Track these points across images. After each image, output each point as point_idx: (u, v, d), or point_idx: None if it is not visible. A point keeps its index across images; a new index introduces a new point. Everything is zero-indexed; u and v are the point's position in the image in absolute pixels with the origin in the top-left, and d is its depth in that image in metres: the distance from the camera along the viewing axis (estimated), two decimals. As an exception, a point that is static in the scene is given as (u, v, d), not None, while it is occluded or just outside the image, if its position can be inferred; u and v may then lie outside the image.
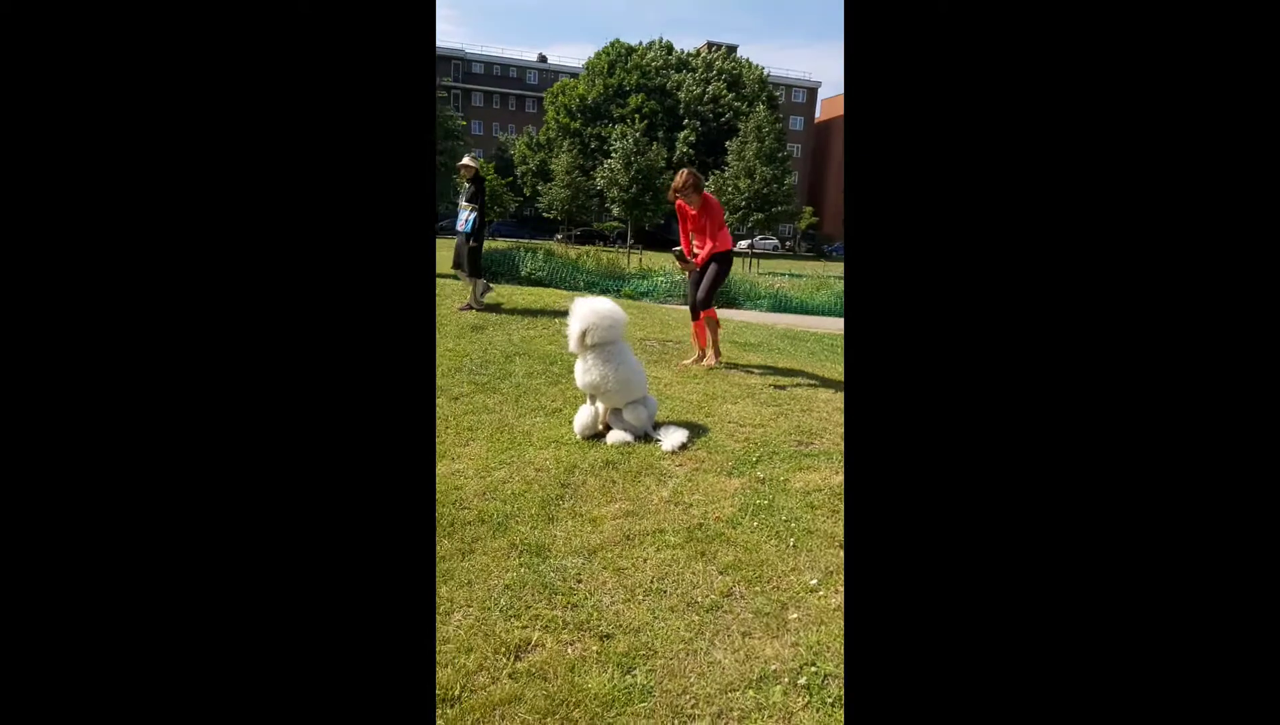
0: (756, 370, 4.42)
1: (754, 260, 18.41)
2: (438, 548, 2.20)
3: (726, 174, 26.00)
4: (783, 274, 14.58)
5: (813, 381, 4.20)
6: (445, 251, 6.42)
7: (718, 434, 3.08)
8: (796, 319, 9.51)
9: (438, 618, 1.87)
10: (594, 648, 1.73)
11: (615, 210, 21.50)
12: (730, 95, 37.07)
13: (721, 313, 7.71)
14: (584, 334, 3.00)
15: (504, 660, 1.70)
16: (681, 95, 37.30)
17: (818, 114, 52.50)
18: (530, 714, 1.52)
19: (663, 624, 1.79)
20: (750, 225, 26.17)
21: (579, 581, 2.02)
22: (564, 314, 6.14)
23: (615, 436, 3.04)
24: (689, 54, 40.31)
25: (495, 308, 6.32)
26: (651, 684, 1.58)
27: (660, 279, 11.32)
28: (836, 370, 4.82)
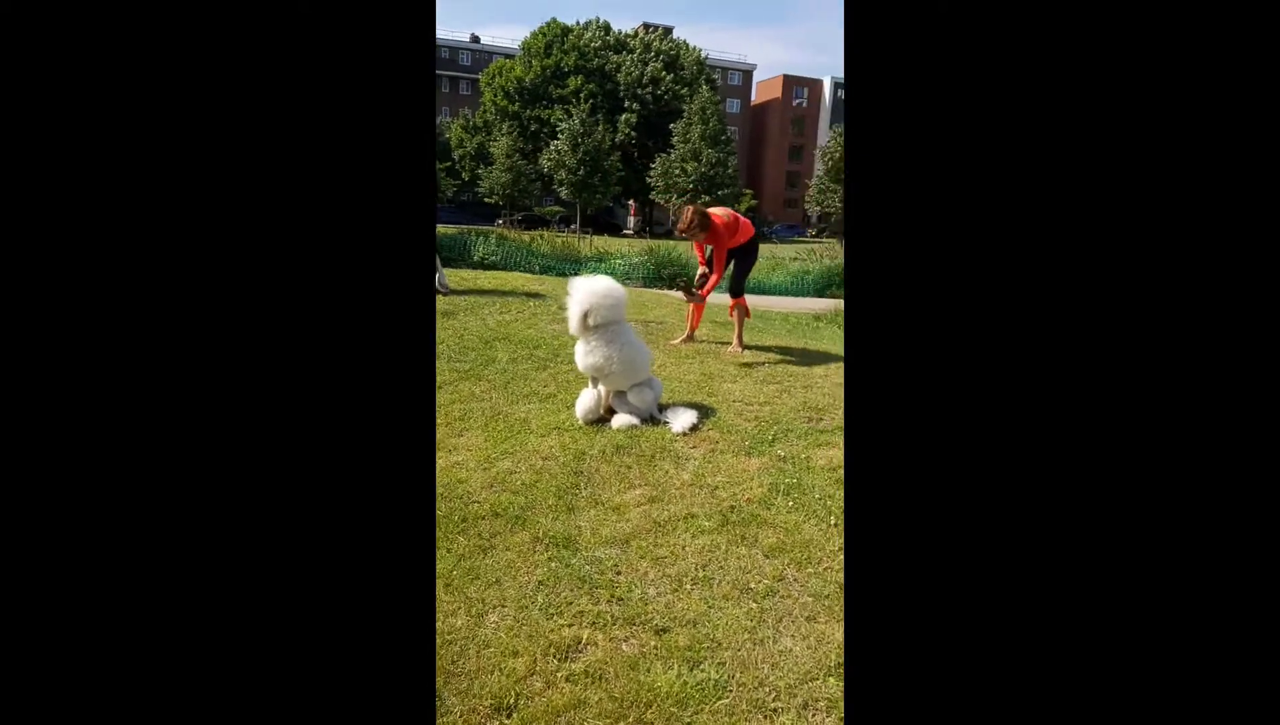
0: (744, 349, 4.38)
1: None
2: (454, 545, 2.07)
3: (673, 156, 25.94)
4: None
5: (801, 358, 4.19)
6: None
7: (726, 413, 3.01)
8: (756, 299, 9.52)
9: (470, 619, 1.74)
10: (652, 643, 1.63)
11: (564, 192, 21.04)
12: (669, 76, 36.90)
13: (681, 295, 7.64)
14: (586, 315, 2.86)
15: (555, 662, 1.59)
16: (620, 77, 36.89)
17: (753, 96, 52.91)
18: (599, 719, 1.42)
19: (720, 614, 1.71)
20: (698, 207, 26.24)
21: (618, 573, 1.92)
22: (533, 296, 5.98)
23: (621, 420, 2.93)
24: (627, 34, 39.86)
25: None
26: (724, 678, 1.49)
27: (618, 262, 11.15)
28: (819, 346, 4.83)
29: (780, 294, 10.71)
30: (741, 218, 4.19)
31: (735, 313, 4.34)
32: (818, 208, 33.20)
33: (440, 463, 2.60)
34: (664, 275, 10.59)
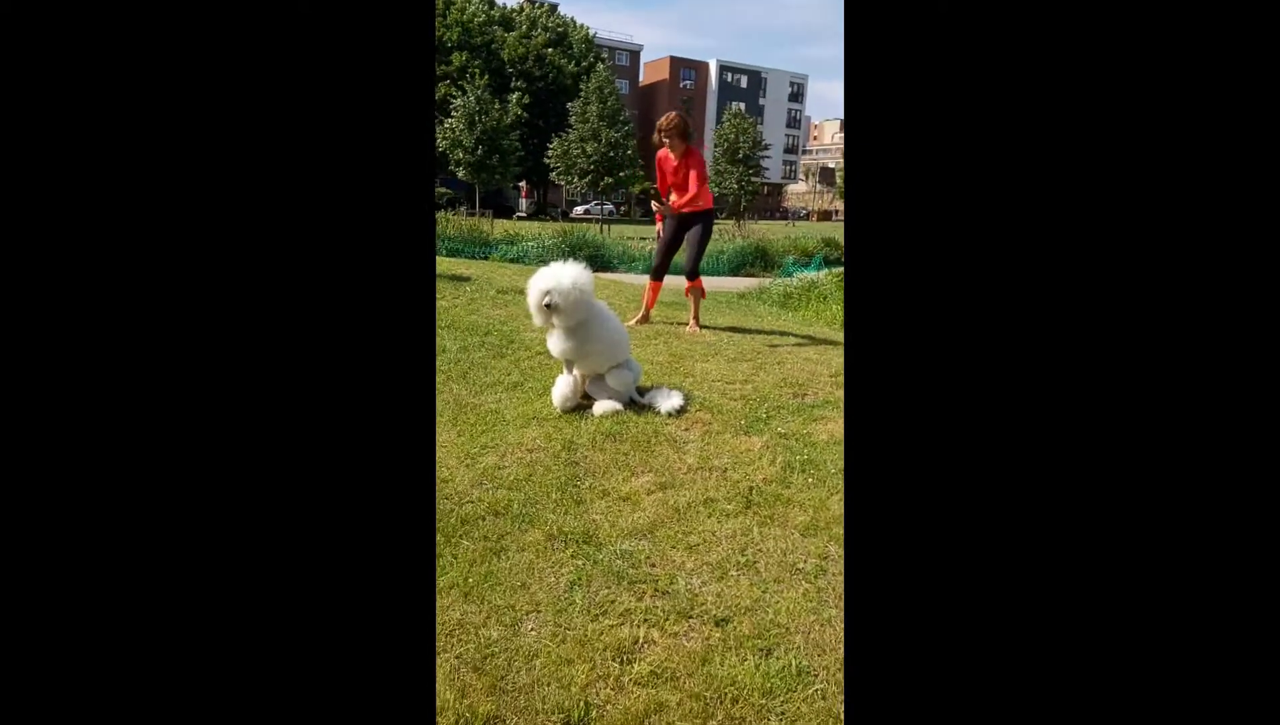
0: (701, 328, 4.35)
1: (604, 225, 18.29)
2: (459, 549, 1.91)
3: (571, 136, 25.52)
4: (645, 238, 14.66)
5: (759, 336, 4.22)
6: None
7: (708, 394, 2.96)
8: (678, 280, 9.57)
9: (505, 629, 1.61)
10: (715, 635, 1.56)
11: (461, 173, 20.08)
12: (556, 54, 36.19)
13: (601, 277, 7.54)
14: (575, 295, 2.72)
15: (617, 665, 1.49)
16: (505, 54, 35.78)
17: (641, 77, 53.00)
18: (685, 720, 1.34)
19: (776, 598, 1.67)
20: (600, 189, 26.03)
21: (652, 566, 1.83)
22: (460, 280, 5.69)
23: (602, 407, 2.81)
24: (511, 9, 38.72)
25: None
26: (805, 663, 1.45)
27: (530, 244, 10.82)
28: (766, 323, 4.89)
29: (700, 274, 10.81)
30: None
31: (691, 293, 4.30)
32: (715, 189, 33.86)
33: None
34: (579, 257, 10.45)
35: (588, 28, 39.46)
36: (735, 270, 11.55)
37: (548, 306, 2.68)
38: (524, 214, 35.80)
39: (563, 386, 2.86)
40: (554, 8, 41.18)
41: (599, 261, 10.64)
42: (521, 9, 38.99)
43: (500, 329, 3.95)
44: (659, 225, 4.17)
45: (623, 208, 42.43)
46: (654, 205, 4.02)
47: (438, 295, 4.99)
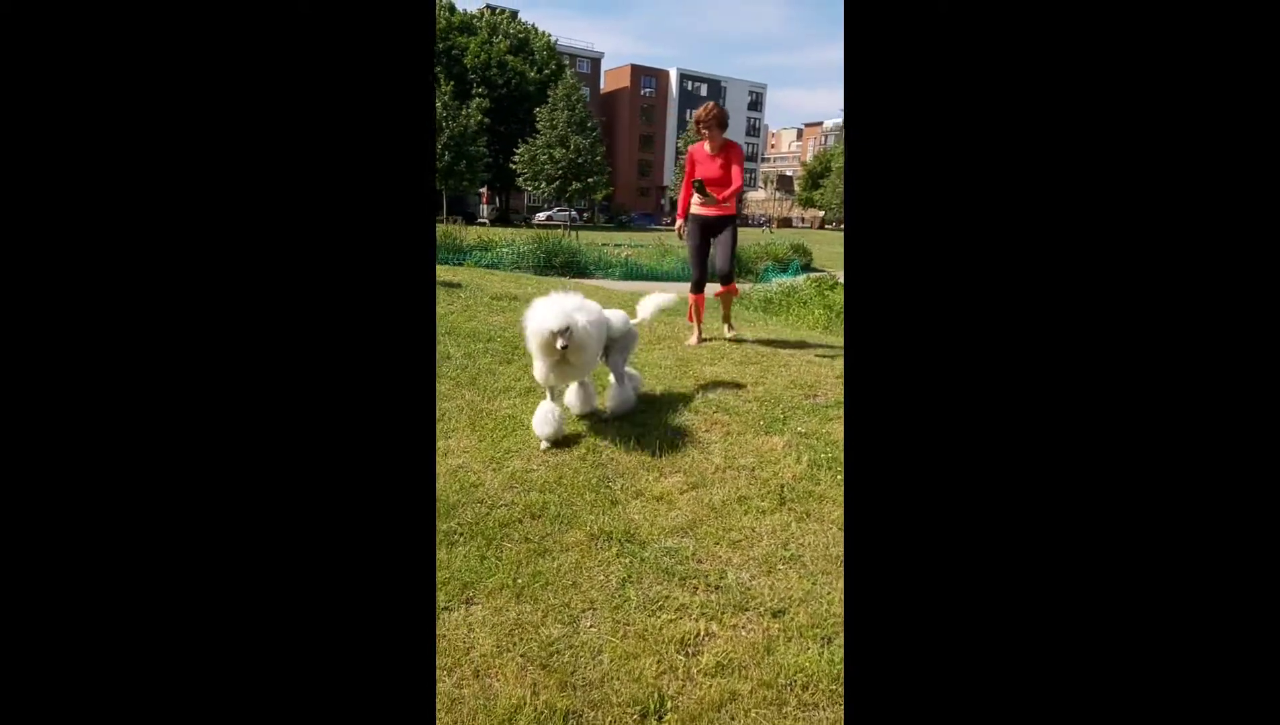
0: (701, 342, 4.40)
1: (572, 231, 18.29)
2: (502, 552, 1.93)
3: (538, 142, 25.45)
4: (619, 244, 14.69)
5: (757, 339, 4.30)
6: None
7: (721, 396, 3.03)
8: (657, 285, 9.63)
9: (561, 626, 1.64)
10: (774, 626, 1.62)
11: (428, 180, 20.09)
12: (517, 59, 36.11)
13: (575, 282, 7.56)
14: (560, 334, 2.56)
15: (681, 658, 1.54)
16: (467, 60, 35.56)
17: (603, 85, 53.13)
18: (760, 707, 1.40)
19: (827, 589, 1.74)
20: (568, 196, 25.99)
21: (699, 562, 1.89)
22: (451, 286, 5.65)
23: (614, 405, 2.85)
24: (472, 15, 38.47)
25: None
26: (866, 649, 1.52)
27: (505, 250, 10.79)
28: (762, 327, 4.99)
29: (674, 280, 10.90)
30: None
31: (698, 307, 4.23)
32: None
33: (443, 467, 2.41)
34: (555, 263, 10.43)
35: (549, 35, 39.47)
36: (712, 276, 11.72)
37: (565, 347, 2.49)
38: (486, 220, 35.51)
39: (579, 395, 2.89)
40: (514, 14, 41.06)
41: (575, 267, 10.67)
42: (482, 15, 38.78)
43: (502, 335, 3.96)
44: (680, 223, 3.97)
45: (586, 214, 42.43)
46: (697, 197, 3.80)
47: (438, 304, 4.95)
